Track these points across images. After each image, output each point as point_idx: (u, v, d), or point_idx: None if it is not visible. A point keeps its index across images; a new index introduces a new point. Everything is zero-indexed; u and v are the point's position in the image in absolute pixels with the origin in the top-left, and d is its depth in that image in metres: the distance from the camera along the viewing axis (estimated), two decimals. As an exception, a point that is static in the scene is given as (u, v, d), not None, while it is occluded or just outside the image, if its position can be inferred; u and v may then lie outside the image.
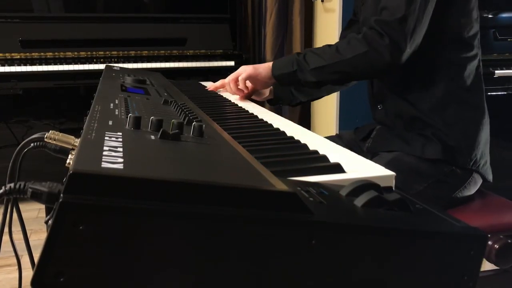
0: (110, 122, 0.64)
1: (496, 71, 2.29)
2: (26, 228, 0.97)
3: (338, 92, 1.83)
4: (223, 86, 1.56)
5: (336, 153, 0.78)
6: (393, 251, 0.48)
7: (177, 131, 0.60)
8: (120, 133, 0.57)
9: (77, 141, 0.72)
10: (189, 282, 0.42)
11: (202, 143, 0.62)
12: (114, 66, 1.60)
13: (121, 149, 0.49)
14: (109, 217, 0.39)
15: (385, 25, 1.13)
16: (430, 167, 1.17)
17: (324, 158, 0.72)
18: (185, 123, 0.69)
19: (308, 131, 1.01)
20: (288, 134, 0.90)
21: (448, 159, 1.16)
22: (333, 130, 2.65)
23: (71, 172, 0.39)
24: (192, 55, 2.67)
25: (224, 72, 2.44)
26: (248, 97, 1.50)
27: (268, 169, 0.54)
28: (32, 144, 0.85)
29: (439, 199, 1.19)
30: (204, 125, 0.66)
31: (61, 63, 2.44)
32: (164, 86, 1.32)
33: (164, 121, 0.63)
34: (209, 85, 1.66)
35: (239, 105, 1.30)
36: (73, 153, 0.71)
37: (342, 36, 1.51)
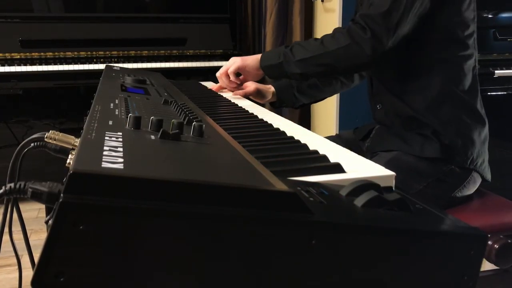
0: (110, 122, 0.64)
1: (496, 71, 2.29)
2: (26, 228, 0.97)
3: (339, 92, 1.84)
4: (224, 87, 1.57)
5: (336, 153, 0.78)
6: (393, 251, 0.48)
7: (177, 131, 0.60)
8: (120, 133, 0.57)
9: (77, 141, 0.72)
10: (189, 282, 0.42)
11: (202, 143, 0.62)
12: (114, 66, 1.60)
13: (121, 149, 0.49)
14: (109, 217, 0.39)
15: (368, 19, 1.15)
16: (429, 166, 1.17)
17: (324, 158, 0.72)
18: (185, 123, 0.69)
19: (308, 131, 1.01)
20: (288, 134, 0.90)
21: (446, 158, 1.16)
22: (333, 130, 2.65)
23: (71, 172, 0.39)
24: (192, 55, 2.67)
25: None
26: (246, 95, 1.51)
27: (268, 169, 0.54)
28: (32, 144, 0.85)
29: (439, 198, 1.19)
30: (204, 125, 0.66)
31: (61, 63, 2.45)
32: (164, 86, 1.32)
33: (164, 121, 0.63)
34: (212, 85, 1.66)
35: (239, 105, 1.30)
36: (73, 153, 0.71)
37: None
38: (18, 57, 2.40)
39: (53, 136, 0.72)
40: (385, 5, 1.13)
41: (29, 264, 0.97)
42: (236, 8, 2.87)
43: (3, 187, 0.49)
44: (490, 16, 2.35)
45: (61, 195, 0.38)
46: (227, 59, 1.53)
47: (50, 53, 2.44)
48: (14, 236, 1.00)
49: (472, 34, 1.20)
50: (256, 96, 1.55)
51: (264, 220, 0.43)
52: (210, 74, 2.64)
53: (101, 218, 0.39)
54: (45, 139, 0.73)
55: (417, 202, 0.57)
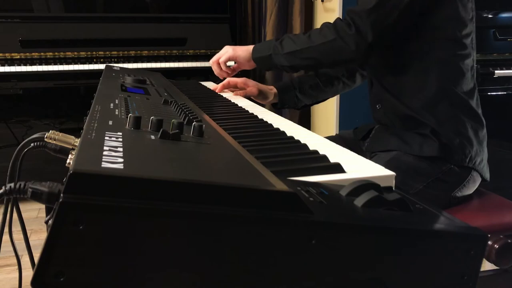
0: (110, 122, 0.64)
1: (496, 71, 2.29)
2: (26, 228, 0.97)
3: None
4: (227, 87, 1.57)
5: (336, 153, 0.78)
6: (393, 251, 0.48)
7: (177, 131, 0.60)
8: (120, 133, 0.57)
9: (77, 141, 0.72)
10: (189, 282, 0.42)
11: (202, 143, 0.62)
12: (114, 66, 1.60)
13: (121, 149, 0.49)
14: (109, 216, 0.39)
15: (354, 15, 1.17)
16: (428, 166, 1.17)
17: (324, 158, 0.72)
18: (185, 123, 0.69)
19: (308, 131, 1.01)
20: (288, 134, 0.90)
21: (444, 157, 1.17)
22: (333, 130, 2.65)
23: (71, 172, 0.39)
24: (192, 55, 2.67)
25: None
26: (247, 96, 1.51)
27: (268, 169, 0.54)
28: (32, 144, 0.85)
29: (439, 198, 1.19)
30: (204, 125, 0.66)
31: (61, 63, 2.45)
32: (164, 86, 1.32)
33: (164, 121, 0.63)
34: (212, 85, 1.67)
35: (240, 105, 1.30)
36: (73, 153, 0.71)
37: None
38: (18, 57, 2.40)
39: (53, 136, 0.72)
40: (372, 2, 1.14)
41: (29, 264, 0.97)
42: (236, 8, 2.87)
43: (3, 187, 0.49)
44: (490, 16, 2.35)
45: (61, 195, 0.38)
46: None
47: (50, 53, 2.44)
48: (14, 236, 1.00)
49: (470, 34, 1.20)
50: (257, 97, 1.55)
51: (264, 220, 0.43)
52: (210, 74, 2.64)
53: (101, 218, 0.39)
54: (45, 139, 0.73)
55: (417, 202, 0.57)
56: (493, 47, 2.36)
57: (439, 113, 1.18)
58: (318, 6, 2.85)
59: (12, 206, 0.92)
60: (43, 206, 0.74)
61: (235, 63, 1.48)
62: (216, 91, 1.60)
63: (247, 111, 1.19)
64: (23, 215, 0.96)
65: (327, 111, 2.74)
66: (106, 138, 0.53)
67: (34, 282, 0.38)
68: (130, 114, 0.64)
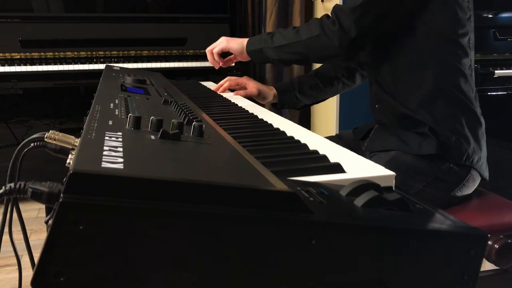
0: (110, 122, 0.64)
1: (496, 71, 2.29)
2: (26, 228, 0.97)
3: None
4: (227, 87, 1.58)
5: (336, 153, 0.78)
6: (393, 251, 0.48)
7: (177, 131, 0.60)
8: (120, 133, 0.57)
9: (77, 141, 0.72)
10: (189, 282, 0.42)
11: (202, 143, 0.62)
12: (114, 66, 1.60)
13: (121, 149, 0.49)
14: (109, 216, 0.39)
15: (339, 12, 1.19)
16: (428, 165, 1.17)
17: (324, 158, 0.72)
18: (185, 123, 0.69)
19: (308, 131, 1.01)
20: (288, 134, 0.90)
21: (442, 155, 1.17)
22: (333, 130, 2.65)
23: (71, 172, 0.39)
24: (192, 55, 2.67)
25: (224, 72, 2.44)
26: (247, 96, 1.52)
27: (268, 169, 0.54)
28: (32, 144, 0.85)
29: (439, 198, 1.19)
30: (204, 125, 0.66)
31: (61, 63, 2.45)
32: (164, 86, 1.32)
33: (164, 121, 0.63)
34: (212, 85, 1.67)
35: (240, 105, 1.30)
36: (73, 153, 0.71)
37: None
38: (18, 57, 2.40)
39: (53, 136, 0.72)
40: (359, 1, 1.17)
41: (29, 264, 0.97)
42: (236, 8, 2.87)
43: (3, 187, 0.49)
44: (490, 16, 2.35)
45: (61, 195, 0.38)
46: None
47: (50, 53, 2.44)
48: (14, 236, 1.00)
49: (467, 34, 1.20)
50: (257, 97, 1.56)
51: (264, 220, 0.43)
52: (210, 74, 2.65)
53: (101, 218, 0.39)
54: (45, 139, 0.73)
55: (417, 202, 0.57)
56: (493, 47, 2.36)
57: (436, 111, 1.18)
58: (318, 6, 2.85)
59: (12, 206, 0.92)
60: (43, 206, 0.74)
61: (230, 54, 1.50)
62: (214, 89, 1.60)
63: (247, 111, 1.19)
64: (23, 215, 0.96)
65: (327, 111, 2.74)
66: (106, 138, 0.53)
67: (34, 282, 0.38)
68: (130, 114, 0.64)
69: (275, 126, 0.98)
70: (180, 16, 2.75)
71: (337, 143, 0.88)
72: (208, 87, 1.74)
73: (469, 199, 1.27)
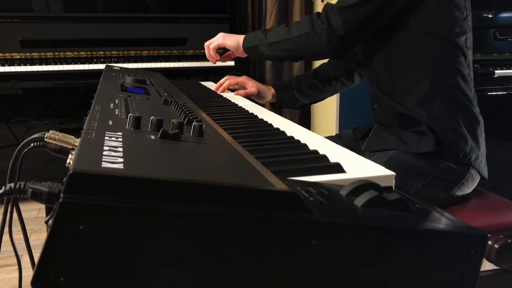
0: (110, 122, 0.64)
1: (496, 71, 2.29)
2: (26, 228, 0.97)
3: (339, 92, 1.86)
4: (227, 88, 1.58)
5: (336, 153, 0.78)
6: (393, 251, 0.48)
7: (177, 131, 0.60)
8: (120, 133, 0.57)
9: (77, 141, 0.72)
10: (189, 282, 0.42)
11: (202, 143, 0.62)
12: (114, 66, 1.60)
13: (121, 149, 0.49)
14: (109, 216, 0.39)
15: (330, 10, 1.22)
16: (427, 164, 1.17)
17: (324, 158, 0.72)
18: (185, 123, 0.69)
19: (308, 131, 1.01)
20: (288, 134, 0.90)
21: (440, 153, 1.17)
22: (333, 130, 2.65)
23: (71, 172, 0.39)
24: (192, 55, 2.67)
25: (224, 72, 2.44)
26: (247, 95, 1.53)
27: (268, 169, 0.54)
28: (32, 144, 0.85)
29: (438, 197, 1.19)
30: (204, 125, 0.66)
31: (61, 63, 2.45)
32: (164, 86, 1.32)
33: (164, 121, 0.63)
34: (212, 85, 1.68)
35: (239, 105, 1.30)
36: (73, 153, 0.71)
37: None
38: (18, 57, 2.40)
39: (53, 136, 0.72)
40: (352, 1, 1.19)
41: (29, 264, 0.97)
42: (236, 8, 2.87)
43: (3, 187, 0.49)
44: (490, 16, 2.35)
45: (61, 195, 0.38)
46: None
47: (50, 53, 2.44)
48: (14, 236, 1.00)
49: (464, 33, 1.20)
50: (256, 97, 1.56)
51: (264, 220, 0.43)
52: (210, 74, 2.65)
53: (101, 218, 0.39)
54: (45, 139, 0.73)
55: (417, 202, 0.57)
56: (493, 47, 2.36)
57: (432, 109, 1.18)
58: (318, 5, 2.85)
59: (12, 206, 0.92)
60: (43, 206, 0.74)
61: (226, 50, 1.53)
62: (214, 89, 1.61)
63: (247, 111, 1.19)
64: (23, 215, 0.96)
65: (327, 111, 2.74)
66: (106, 138, 0.53)
67: (34, 282, 0.38)
68: (130, 114, 0.64)
69: (275, 126, 0.98)
70: (180, 16, 2.75)
71: (337, 143, 0.88)
72: (208, 87, 1.74)
73: (469, 199, 1.27)
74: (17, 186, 0.47)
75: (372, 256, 0.47)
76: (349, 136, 1.44)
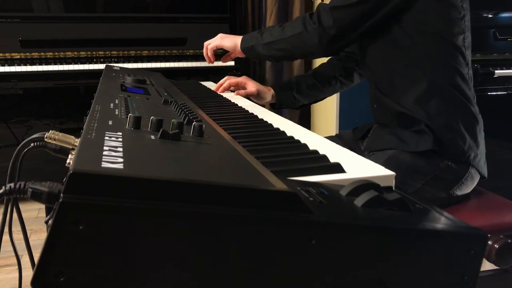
0: (110, 122, 0.64)
1: (496, 71, 2.29)
2: (26, 228, 0.97)
3: (338, 92, 1.86)
4: (227, 88, 1.59)
5: (336, 153, 0.78)
6: (393, 251, 0.48)
7: (177, 131, 0.60)
8: (120, 133, 0.57)
9: (77, 141, 0.72)
10: (189, 282, 0.42)
11: (202, 143, 0.62)
12: (114, 66, 1.60)
13: (121, 149, 0.49)
14: (109, 216, 0.39)
15: (322, 10, 1.24)
16: (426, 163, 1.18)
17: (324, 158, 0.72)
18: (185, 123, 0.69)
19: (308, 131, 1.01)
20: (288, 134, 0.90)
21: (439, 151, 1.17)
22: (333, 130, 2.65)
23: (71, 172, 0.39)
24: (192, 55, 2.67)
25: (224, 72, 2.45)
26: (247, 95, 1.53)
27: (268, 169, 0.54)
28: (32, 144, 0.85)
29: (438, 196, 1.19)
30: (204, 125, 0.66)
31: (61, 63, 2.45)
32: (164, 86, 1.32)
33: (164, 121, 0.63)
34: (212, 85, 1.68)
35: (239, 105, 1.30)
36: (73, 153, 0.71)
37: None
38: (18, 57, 2.40)
39: (53, 136, 0.72)
40: (344, 1, 1.20)
41: (29, 264, 0.97)
42: (236, 8, 2.87)
43: (3, 187, 0.49)
44: (490, 16, 2.35)
45: (61, 195, 0.38)
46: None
47: (50, 53, 2.44)
48: (14, 236, 1.00)
49: (461, 33, 1.20)
50: (256, 97, 1.56)
51: (264, 220, 0.43)
52: (210, 74, 2.65)
53: (101, 218, 0.39)
54: (45, 139, 0.73)
55: (417, 201, 0.57)
56: (493, 47, 2.36)
57: (430, 108, 1.18)
58: (318, 6, 2.85)
59: (12, 206, 0.92)
60: (43, 206, 0.74)
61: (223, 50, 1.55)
62: (214, 89, 1.61)
63: (247, 111, 1.19)
64: (23, 215, 0.96)
65: (327, 111, 2.74)
66: (106, 138, 0.53)
67: (34, 282, 0.38)
68: (130, 114, 0.64)
69: (275, 126, 0.98)
70: (180, 16, 2.75)
71: (337, 143, 0.88)
72: (208, 87, 1.74)
73: (469, 199, 1.27)
74: (17, 186, 0.47)
75: (372, 256, 0.47)
76: (349, 136, 1.45)
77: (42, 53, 2.43)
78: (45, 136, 0.73)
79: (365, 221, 0.48)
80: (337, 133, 1.59)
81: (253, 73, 2.88)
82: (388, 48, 1.23)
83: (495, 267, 0.86)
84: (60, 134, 0.73)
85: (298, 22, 1.29)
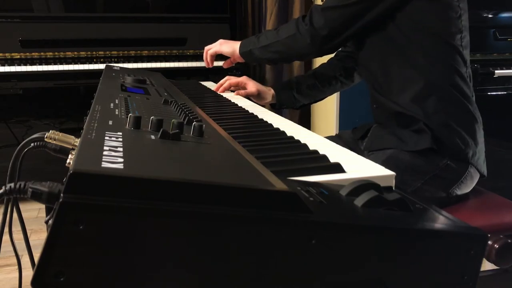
0: (110, 122, 0.64)
1: (496, 71, 2.29)
2: (26, 228, 0.97)
3: (338, 92, 1.86)
4: (227, 88, 1.59)
5: (336, 153, 0.78)
6: (393, 251, 0.48)
7: (177, 131, 0.60)
8: (120, 133, 0.57)
9: (77, 141, 0.72)
10: (189, 282, 0.42)
11: (202, 143, 0.62)
12: (114, 66, 1.60)
13: (121, 149, 0.49)
14: (109, 216, 0.39)
15: (314, 11, 1.26)
16: (425, 163, 1.18)
17: (324, 158, 0.72)
18: (185, 123, 0.69)
19: (308, 131, 1.01)
20: (288, 134, 0.90)
21: (437, 150, 1.17)
22: (333, 130, 2.65)
23: (71, 171, 0.39)
24: (192, 55, 2.67)
25: (224, 72, 2.44)
26: (247, 95, 1.53)
27: (268, 169, 0.54)
28: (32, 144, 0.85)
29: (437, 195, 1.19)
30: (204, 125, 0.66)
31: (61, 63, 2.44)
32: (164, 86, 1.32)
33: (164, 121, 0.63)
34: (212, 85, 1.68)
35: (239, 105, 1.30)
36: (73, 153, 0.71)
37: None
38: (18, 57, 2.40)
39: (53, 136, 0.72)
40: (336, 2, 1.22)
41: (29, 264, 0.97)
42: (236, 8, 2.87)
43: (3, 187, 0.49)
44: (490, 16, 2.35)
45: (61, 195, 0.38)
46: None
47: (50, 53, 2.44)
48: (14, 236, 1.00)
49: (458, 32, 1.20)
50: (256, 97, 1.57)
51: (264, 220, 0.43)
52: (210, 74, 2.65)
53: (101, 218, 0.39)
54: (45, 139, 0.73)
55: (417, 201, 0.57)
56: (493, 47, 2.36)
57: (428, 107, 1.19)
58: (318, 6, 2.85)
59: (12, 206, 0.92)
60: (43, 206, 0.74)
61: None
62: (214, 89, 1.61)
63: (247, 111, 1.19)
64: (23, 215, 0.96)
65: (327, 111, 2.74)
66: (106, 138, 0.53)
67: (34, 282, 0.38)
68: (130, 114, 0.64)
69: (275, 126, 0.98)
70: (180, 16, 2.75)
71: (337, 143, 0.88)
72: (208, 87, 1.74)
73: (469, 198, 1.27)
74: (17, 186, 0.47)
75: (372, 256, 0.47)
76: (349, 136, 1.45)
77: (42, 53, 2.43)
78: (45, 136, 0.73)
79: (365, 221, 0.48)
80: (337, 133, 1.59)
81: (253, 74, 2.88)
82: (384, 47, 1.24)
83: (495, 267, 0.86)
84: (60, 134, 0.73)
85: (292, 24, 1.31)
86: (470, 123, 1.21)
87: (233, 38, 2.80)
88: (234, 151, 0.62)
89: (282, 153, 0.75)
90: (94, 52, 2.50)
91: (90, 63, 2.49)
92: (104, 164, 0.42)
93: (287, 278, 0.44)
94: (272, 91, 1.58)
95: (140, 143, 0.56)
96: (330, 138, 1.20)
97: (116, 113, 0.73)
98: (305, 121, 2.90)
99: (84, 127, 0.61)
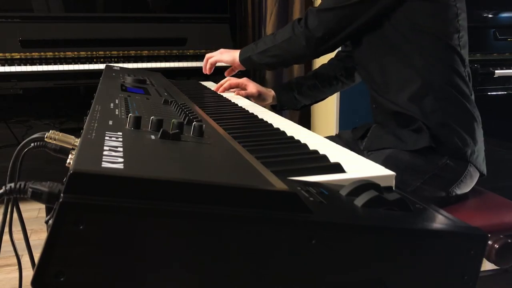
0: (110, 122, 0.64)
1: (496, 71, 2.29)
2: (26, 228, 0.97)
3: (338, 92, 1.86)
4: (228, 88, 1.59)
5: (336, 153, 0.78)
6: (393, 251, 0.48)
7: (177, 131, 0.60)
8: (120, 133, 0.57)
9: (77, 141, 0.72)
10: (189, 282, 0.42)
11: (202, 143, 0.62)
12: (114, 66, 1.60)
13: (121, 149, 0.49)
14: (109, 216, 0.39)
15: (309, 13, 1.28)
16: (424, 162, 1.18)
17: (324, 158, 0.72)
18: (185, 123, 0.69)
19: (308, 131, 1.01)
20: (288, 134, 0.90)
21: (436, 149, 1.17)
22: (333, 130, 2.65)
23: (71, 172, 0.39)
24: (192, 55, 2.67)
25: (224, 73, 2.44)
26: (248, 96, 1.54)
27: (268, 169, 0.54)
28: (32, 144, 0.85)
29: (437, 195, 1.19)
30: (204, 125, 0.66)
31: (61, 63, 2.45)
32: (164, 86, 1.32)
33: (164, 121, 0.63)
34: (212, 85, 1.69)
35: (239, 105, 1.30)
36: (73, 153, 0.71)
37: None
38: (18, 57, 2.40)
39: (53, 136, 0.72)
40: (328, 4, 1.24)
41: (29, 264, 0.96)
42: (236, 8, 2.87)
43: (3, 187, 0.49)
44: (490, 16, 2.34)
45: (61, 195, 0.38)
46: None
47: (50, 53, 2.44)
48: (14, 236, 1.00)
49: (456, 32, 1.20)
50: (257, 99, 1.57)
51: (264, 220, 0.43)
52: (210, 74, 2.65)
53: (101, 218, 0.39)
54: (45, 139, 0.73)
55: (417, 201, 0.57)
56: (493, 47, 2.36)
57: (425, 106, 1.19)
58: (318, 6, 2.85)
59: (12, 206, 0.92)
60: (43, 206, 0.74)
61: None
62: (214, 89, 1.62)
63: (247, 111, 1.19)
64: (23, 215, 0.96)
65: (327, 111, 2.74)
66: (106, 138, 0.53)
67: (34, 282, 0.38)
68: (130, 114, 0.64)
69: (275, 126, 0.98)
70: (180, 16, 2.75)
71: (336, 143, 0.88)
72: (208, 87, 1.74)
73: (469, 198, 1.27)
74: (17, 186, 0.47)
75: (372, 256, 0.47)
76: (348, 136, 1.45)
77: (42, 53, 2.43)
78: (45, 136, 0.73)
79: (365, 221, 0.48)
80: (337, 133, 1.59)
81: (253, 74, 2.88)
82: (381, 47, 1.24)
83: (495, 267, 0.87)
84: (60, 134, 0.73)
85: (288, 27, 1.33)
86: (469, 122, 1.21)
87: (233, 38, 2.80)
88: (234, 151, 0.62)
89: (282, 153, 0.75)
90: (94, 52, 2.51)
91: (90, 63, 2.49)
92: (104, 164, 0.42)
93: (287, 278, 0.44)
94: (272, 93, 1.59)
95: (140, 143, 0.56)
96: (330, 138, 1.20)
97: (116, 113, 0.73)
98: (305, 121, 2.90)
99: (84, 127, 0.61)
